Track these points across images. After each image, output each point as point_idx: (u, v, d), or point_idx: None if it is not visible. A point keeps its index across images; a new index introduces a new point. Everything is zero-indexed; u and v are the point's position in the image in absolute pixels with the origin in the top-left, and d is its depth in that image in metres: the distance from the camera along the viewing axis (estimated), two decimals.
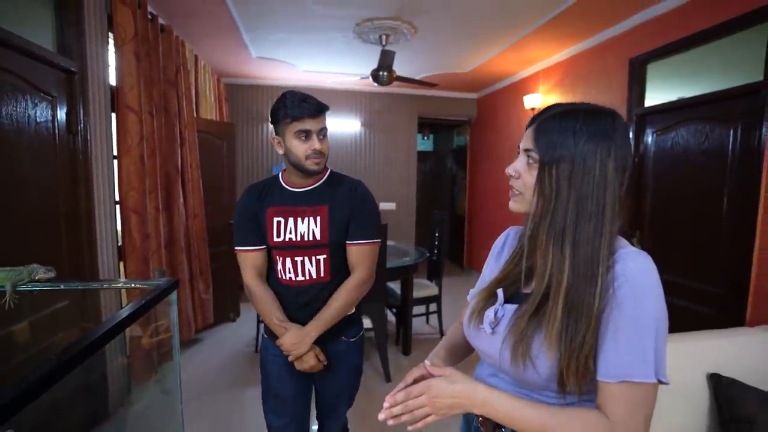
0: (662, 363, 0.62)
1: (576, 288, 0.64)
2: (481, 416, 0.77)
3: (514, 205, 0.74)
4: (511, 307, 0.73)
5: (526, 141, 0.71)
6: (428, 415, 0.68)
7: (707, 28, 2.36)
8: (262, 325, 3.07)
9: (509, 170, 0.73)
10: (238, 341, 3.40)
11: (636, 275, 0.62)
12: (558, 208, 0.66)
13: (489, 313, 0.74)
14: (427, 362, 0.75)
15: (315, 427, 1.53)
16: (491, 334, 0.73)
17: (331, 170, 1.38)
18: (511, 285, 0.77)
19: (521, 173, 0.71)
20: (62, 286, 1.18)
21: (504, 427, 0.73)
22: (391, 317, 3.71)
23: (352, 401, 1.47)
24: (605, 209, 0.64)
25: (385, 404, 0.69)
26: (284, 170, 1.36)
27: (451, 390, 0.67)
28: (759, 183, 2.08)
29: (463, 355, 0.91)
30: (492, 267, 0.87)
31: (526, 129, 0.72)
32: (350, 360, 1.40)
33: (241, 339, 3.44)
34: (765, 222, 2.06)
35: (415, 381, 0.71)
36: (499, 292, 0.75)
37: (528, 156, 0.70)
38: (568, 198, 0.65)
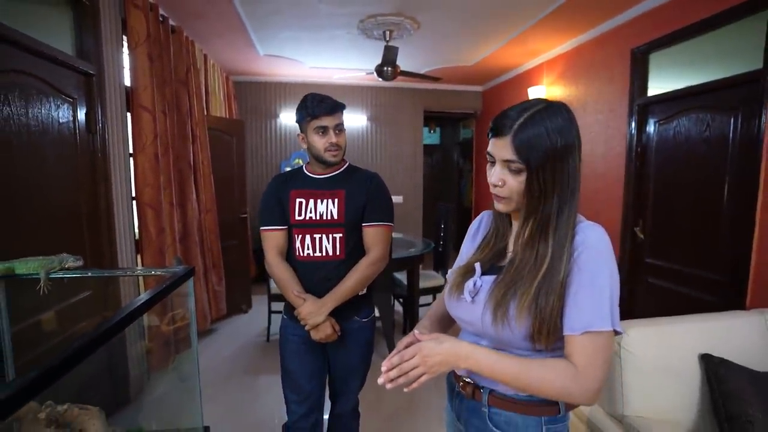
0: (616, 315, 0.72)
1: (552, 267, 0.74)
2: (462, 381, 0.87)
3: (502, 208, 0.82)
4: (489, 278, 0.83)
5: (504, 152, 0.76)
6: (422, 375, 0.75)
7: (707, 17, 2.37)
8: (274, 315, 3.19)
9: (494, 180, 0.79)
10: (250, 332, 3.52)
11: (592, 244, 0.74)
12: (546, 206, 0.75)
13: (469, 284, 0.84)
14: (416, 331, 0.83)
15: (326, 416, 1.62)
16: (471, 302, 0.83)
17: (350, 163, 1.54)
18: (487, 261, 0.86)
19: (506, 181, 0.78)
20: (90, 274, 1.28)
21: (482, 388, 0.83)
22: (398, 307, 3.79)
23: (364, 379, 1.57)
24: (575, 193, 0.76)
25: (383, 368, 0.76)
26: (308, 163, 1.53)
27: (440, 348, 0.75)
28: (759, 170, 2.11)
29: (446, 326, 1.00)
30: (468, 247, 0.97)
31: (493, 137, 0.79)
32: (362, 338, 1.51)
33: (253, 329, 3.56)
34: (764, 209, 2.09)
35: (406, 347, 0.79)
36: (477, 266, 0.85)
37: (509, 167, 0.76)
38: (553, 194, 0.74)
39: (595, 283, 0.71)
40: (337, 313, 1.41)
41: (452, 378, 0.92)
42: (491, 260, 0.86)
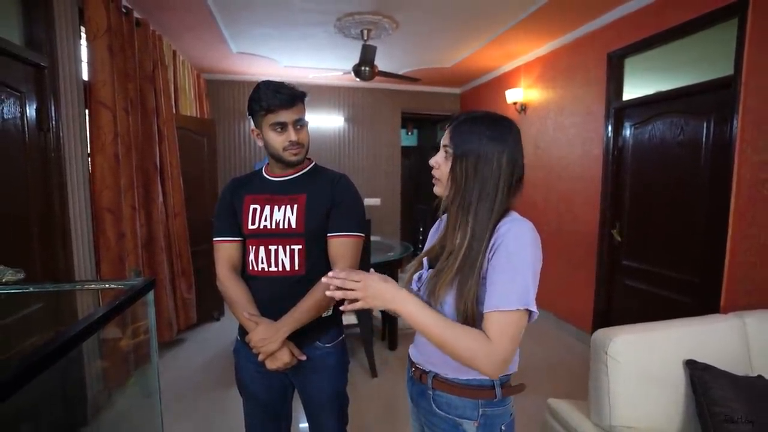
0: (528, 297, 0.80)
1: (471, 248, 0.85)
2: (414, 366, 0.99)
3: (436, 189, 0.94)
4: (432, 271, 0.94)
5: (446, 138, 0.90)
6: (357, 300, 0.83)
7: (681, 23, 2.40)
8: None
9: (432, 162, 0.93)
10: (222, 340, 3.36)
11: (509, 235, 0.82)
12: (466, 191, 0.87)
13: (415, 277, 0.98)
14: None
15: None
16: (418, 291, 0.95)
17: (316, 163, 1.35)
18: (435, 257, 0.96)
19: (440, 164, 0.91)
20: (32, 288, 1.14)
21: (428, 372, 0.94)
22: (376, 312, 3.71)
23: (344, 416, 1.36)
24: (498, 192, 0.86)
25: (329, 274, 0.85)
26: (267, 164, 1.35)
27: (381, 285, 0.84)
28: (731, 174, 2.14)
29: None
30: (428, 244, 1.07)
31: (446, 128, 0.91)
32: (327, 366, 1.29)
33: (226, 338, 3.40)
34: (737, 212, 2.12)
35: None
36: (425, 260, 0.98)
37: (445, 150, 0.90)
38: (473, 183, 0.86)
39: (507, 269, 0.80)
40: (295, 339, 1.21)
41: (409, 364, 1.02)
42: (439, 255, 0.94)
